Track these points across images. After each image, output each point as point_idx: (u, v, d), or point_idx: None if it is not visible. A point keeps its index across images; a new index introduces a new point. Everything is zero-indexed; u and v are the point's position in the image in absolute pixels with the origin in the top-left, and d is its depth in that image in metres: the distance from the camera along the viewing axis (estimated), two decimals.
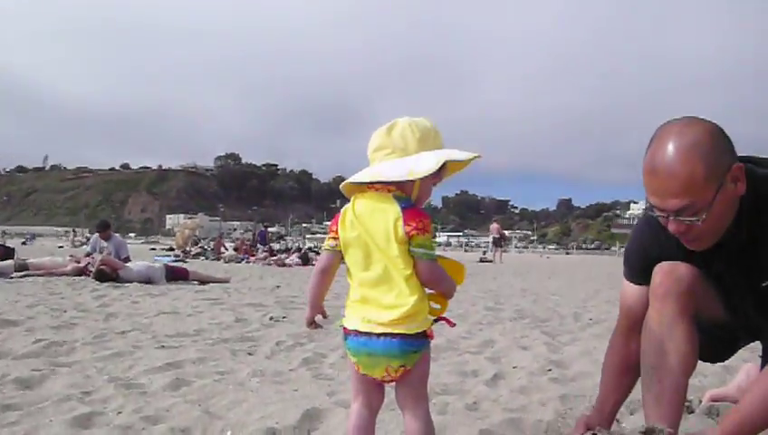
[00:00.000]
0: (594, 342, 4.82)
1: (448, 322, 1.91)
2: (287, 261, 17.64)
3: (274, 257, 18.65)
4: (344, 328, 1.84)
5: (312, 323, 2.00)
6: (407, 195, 1.80)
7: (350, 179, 1.85)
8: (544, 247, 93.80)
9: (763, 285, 1.90)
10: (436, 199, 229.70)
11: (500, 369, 3.69)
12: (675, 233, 1.82)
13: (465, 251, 56.09)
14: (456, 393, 3.11)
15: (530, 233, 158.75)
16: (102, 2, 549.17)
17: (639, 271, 2.15)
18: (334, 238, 1.87)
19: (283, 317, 5.82)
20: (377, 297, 1.77)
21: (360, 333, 1.78)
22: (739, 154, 1.85)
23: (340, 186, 1.89)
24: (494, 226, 30.26)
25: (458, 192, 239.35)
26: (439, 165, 1.74)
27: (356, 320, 1.80)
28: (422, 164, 1.74)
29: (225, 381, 3.23)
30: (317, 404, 2.78)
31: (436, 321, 1.86)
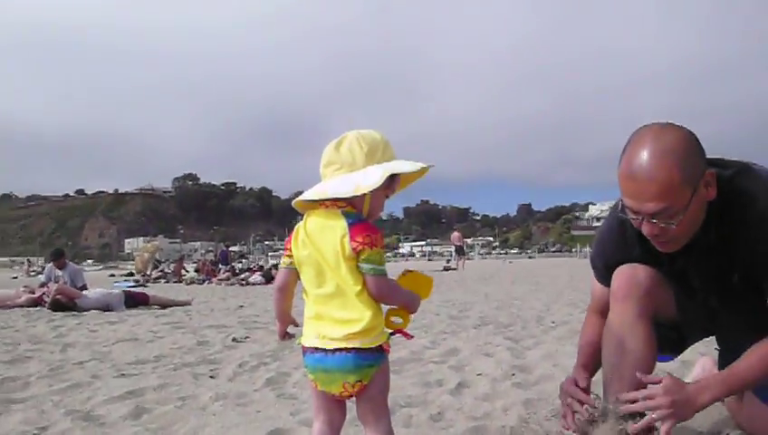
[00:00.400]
0: (556, 344, 4.88)
1: (405, 335, 1.90)
2: (250, 280, 17.49)
3: (237, 277, 18.48)
4: (303, 346, 1.83)
5: (285, 335, 1.99)
6: (357, 210, 1.80)
7: (300, 198, 1.84)
8: (507, 253, 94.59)
9: (734, 280, 1.97)
10: (397, 210, 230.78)
11: (464, 377, 3.71)
12: (648, 235, 1.87)
13: (429, 260, 56.30)
14: (420, 405, 3.11)
15: (492, 239, 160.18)
16: (53, 22, 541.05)
17: (604, 274, 2.24)
18: (289, 256, 1.86)
19: (246, 337, 5.76)
20: (331, 313, 1.77)
21: (316, 349, 1.77)
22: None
23: (293, 203, 1.89)
24: (456, 234, 30.50)
25: (419, 202, 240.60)
26: (384, 179, 1.74)
27: (312, 337, 1.79)
28: (368, 179, 1.74)
29: (187, 407, 3.17)
30: (281, 424, 2.75)
31: (392, 334, 1.85)
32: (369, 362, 1.75)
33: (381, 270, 1.75)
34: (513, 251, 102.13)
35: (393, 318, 1.86)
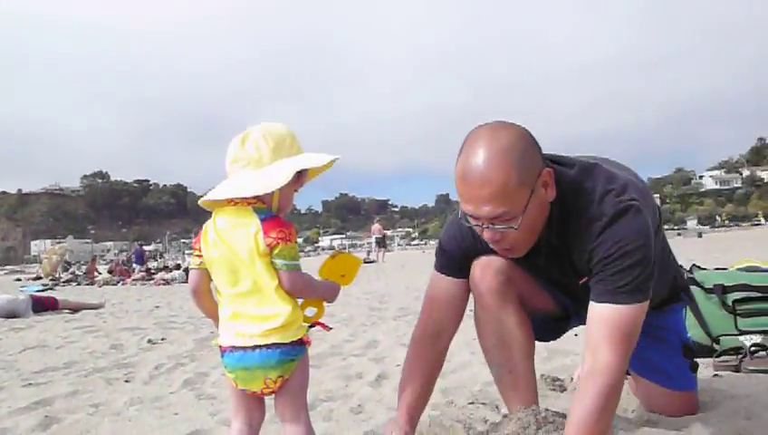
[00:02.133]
0: (474, 333, 4.97)
1: (324, 326, 1.91)
2: (166, 277, 17.07)
3: (153, 276, 17.99)
4: (220, 346, 1.80)
5: None
6: (267, 205, 1.79)
7: (207, 197, 1.81)
8: (426, 243, 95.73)
9: (580, 283, 1.94)
10: (316, 204, 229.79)
11: (384, 369, 3.74)
12: (489, 242, 1.82)
13: (349, 252, 56.22)
14: (341, 398, 3.12)
15: (411, 230, 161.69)
16: None
17: (456, 264, 2.12)
18: (199, 256, 1.83)
19: (162, 339, 5.62)
20: (248, 311, 1.75)
21: (235, 348, 1.75)
22: (546, 152, 1.87)
23: (199, 202, 1.85)
24: (376, 226, 30.56)
25: (338, 195, 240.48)
26: (291, 176, 1.73)
27: (229, 336, 1.77)
28: (276, 177, 1.73)
29: (101, 414, 3.07)
30: (200, 425, 2.71)
31: (311, 327, 1.85)
32: (291, 356, 1.75)
33: (295, 265, 1.75)
34: (432, 242, 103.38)
35: (307, 310, 1.87)
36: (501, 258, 2.03)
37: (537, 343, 2.24)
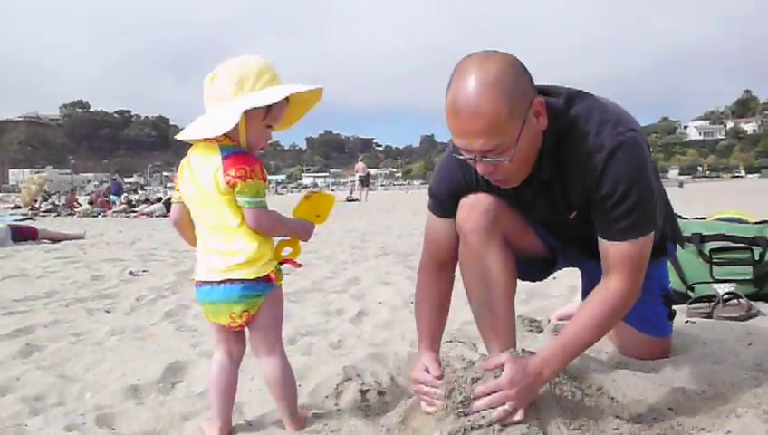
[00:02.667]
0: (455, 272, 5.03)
1: (293, 263, 1.89)
2: (147, 210, 16.99)
3: (134, 209, 17.90)
4: (195, 281, 1.82)
5: None
6: (236, 142, 1.76)
7: (178, 136, 1.80)
8: (409, 183, 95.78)
9: (570, 217, 1.96)
10: (300, 141, 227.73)
11: (364, 306, 3.79)
12: (483, 174, 1.80)
13: (332, 190, 56.22)
14: (321, 333, 3.17)
15: (395, 170, 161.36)
16: None
17: (448, 205, 2.11)
18: (178, 190, 1.84)
19: (144, 271, 5.63)
20: (214, 247, 1.77)
21: (204, 282, 1.78)
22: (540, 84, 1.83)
23: (175, 137, 1.84)
24: (360, 165, 30.36)
25: (322, 132, 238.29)
26: (238, 117, 1.68)
27: (201, 271, 1.80)
28: (225, 119, 1.69)
29: (82, 343, 3.10)
30: (180, 357, 2.75)
31: (281, 264, 1.85)
32: (255, 292, 1.77)
33: (257, 202, 1.74)
34: (415, 183, 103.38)
35: (284, 250, 1.87)
36: (488, 198, 2.02)
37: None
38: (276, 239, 1.85)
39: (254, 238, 1.75)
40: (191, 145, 1.82)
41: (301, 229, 1.89)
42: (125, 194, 22.98)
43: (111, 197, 21.74)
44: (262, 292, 1.78)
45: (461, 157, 1.78)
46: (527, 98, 1.69)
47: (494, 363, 1.78)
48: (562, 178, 1.87)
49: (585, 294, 2.58)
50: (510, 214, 2.08)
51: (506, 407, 1.66)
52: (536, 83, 1.79)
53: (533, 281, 2.46)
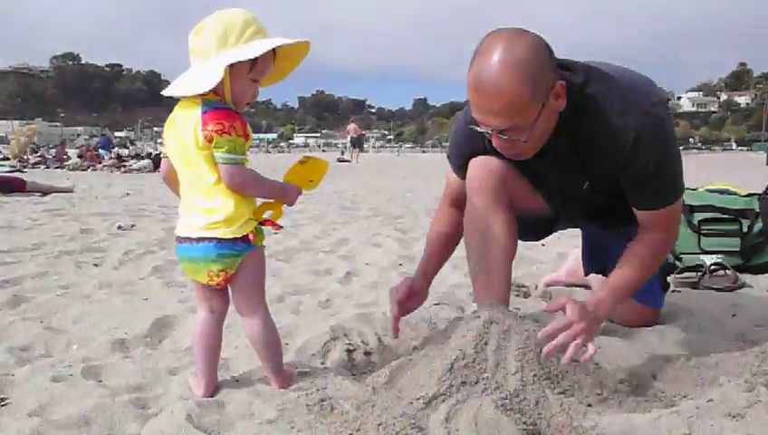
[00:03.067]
0: None
1: (274, 225, 1.84)
2: (136, 166, 16.87)
3: (123, 163, 17.76)
4: (176, 236, 1.81)
5: None
6: (219, 96, 1.72)
7: (163, 92, 1.77)
8: (401, 146, 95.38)
9: (584, 187, 2.03)
10: (292, 100, 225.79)
11: (353, 266, 3.80)
12: (498, 148, 1.84)
13: (323, 151, 55.98)
14: (309, 292, 3.17)
15: (387, 132, 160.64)
16: None
17: (460, 166, 2.23)
18: (165, 146, 1.82)
19: (133, 225, 5.61)
20: (194, 203, 1.75)
21: (182, 239, 1.76)
22: (561, 58, 1.85)
23: (162, 92, 1.80)
24: (352, 126, 30.15)
25: (315, 92, 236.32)
26: (218, 76, 1.64)
27: (182, 227, 1.78)
28: (206, 75, 1.65)
29: (70, 295, 3.09)
30: (168, 312, 2.74)
31: (261, 224, 1.82)
32: (232, 251, 1.74)
33: (233, 159, 1.69)
34: (407, 145, 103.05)
35: (266, 212, 1.82)
36: (497, 160, 2.07)
37: None
38: (259, 201, 1.83)
39: (232, 197, 1.72)
40: (179, 100, 1.79)
41: (281, 192, 1.83)
42: (115, 148, 22.74)
43: (100, 151, 21.52)
44: (239, 252, 1.75)
45: (478, 129, 1.82)
46: (549, 81, 1.72)
47: (556, 305, 1.85)
48: (580, 153, 1.92)
49: (584, 253, 2.62)
50: (517, 177, 2.14)
51: (578, 341, 1.71)
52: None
53: (529, 241, 2.51)
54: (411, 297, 2.23)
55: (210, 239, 1.72)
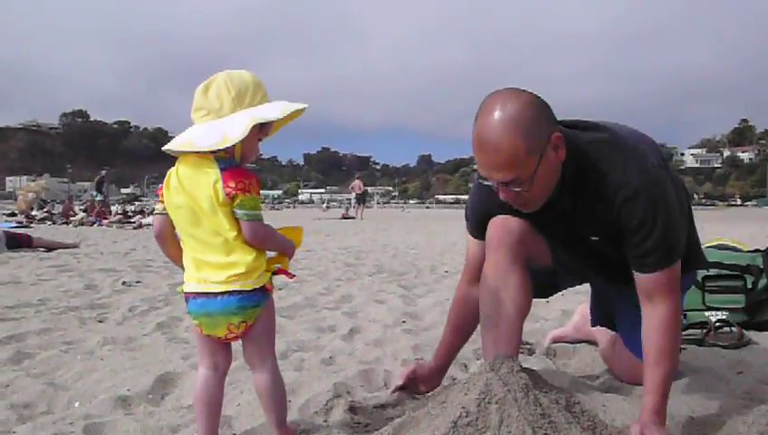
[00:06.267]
0: (448, 293, 5.04)
1: (287, 274, 1.91)
2: (144, 221, 16.96)
3: (130, 219, 17.86)
4: (185, 293, 1.81)
5: None
6: (229, 155, 1.77)
7: (168, 147, 1.78)
8: (405, 202, 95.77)
9: (593, 238, 2.07)
10: (297, 156, 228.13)
11: (356, 323, 3.79)
12: (505, 200, 1.92)
13: (328, 208, 56.22)
14: (313, 349, 3.16)
15: (391, 189, 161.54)
16: None
17: (478, 227, 2.28)
18: (162, 202, 1.82)
19: (137, 282, 5.62)
20: (210, 259, 1.76)
21: (199, 294, 1.77)
22: (571, 118, 1.99)
23: (163, 148, 1.82)
24: (357, 182, 30.32)
25: (320, 149, 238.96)
26: (249, 129, 1.69)
27: (193, 283, 1.78)
28: (235, 129, 1.69)
29: (73, 352, 3.09)
30: (171, 368, 2.74)
31: (274, 274, 1.86)
32: (253, 302, 1.77)
33: (255, 215, 1.74)
34: (411, 201, 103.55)
35: (275, 265, 1.87)
36: (516, 220, 2.16)
37: None
38: (269, 253, 1.85)
39: (251, 250, 1.76)
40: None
41: (287, 246, 1.90)
42: (103, 186, 22.35)
43: (94, 193, 21.53)
44: (258, 302, 1.78)
45: (485, 183, 1.94)
46: (545, 133, 1.83)
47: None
48: (586, 209, 1.99)
49: (592, 309, 2.63)
50: (535, 236, 2.20)
51: None
52: (560, 118, 1.93)
53: (538, 298, 2.52)
54: (422, 382, 2.37)
55: (231, 293, 1.73)
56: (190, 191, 1.74)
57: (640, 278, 1.96)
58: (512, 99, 1.82)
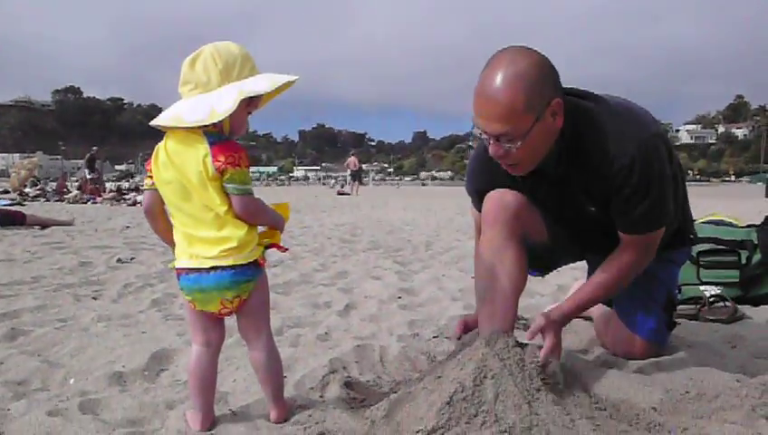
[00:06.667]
0: (443, 269, 5.05)
1: (279, 248, 1.90)
2: (138, 199, 16.90)
3: (124, 196, 17.80)
4: (176, 269, 1.80)
5: None
6: (218, 129, 1.75)
7: (155, 122, 1.76)
8: (401, 179, 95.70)
9: (590, 208, 2.09)
10: (292, 133, 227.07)
11: (352, 299, 3.79)
12: (493, 155, 1.93)
13: (323, 184, 56.12)
14: (308, 325, 3.16)
15: (386, 165, 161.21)
16: None
17: (477, 200, 2.31)
18: (151, 177, 1.81)
19: (132, 258, 5.60)
20: (201, 234, 1.75)
21: (191, 270, 1.76)
22: (566, 86, 1.97)
23: (151, 123, 1.79)
24: (352, 159, 30.23)
25: (315, 126, 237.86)
26: (237, 103, 1.67)
27: (184, 258, 1.77)
28: (223, 104, 1.67)
29: (68, 328, 3.08)
30: (167, 345, 2.73)
31: (267, 248, 1.86)
32: (246, 276, 1.77)
33: (246, 189, 1.74)
34: (407, 178, 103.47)
35: (265, 240, 1.87)
36: (512, 194, 2.18)
37: None
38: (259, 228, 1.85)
39: (242, 224, 1.75)
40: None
41: (278, 220, 1.89)
42: (98, 163, 22.25)
43: (85, 170, 21.44)
44: (252, 277, 1.78)
45: (479, 135, 1.94)
46: (546, 96, 1.84)
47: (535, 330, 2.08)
48: (583, 177, 2.01)
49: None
50: (531, 210, 2.22)
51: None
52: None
53: (536, 275, 2.56)
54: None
55: (224, 267, 1.73)
56: (179, 166, 1.73)
57: (622, 236, 2.07)
58: (521, 55, 1.84)
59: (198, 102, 1.70)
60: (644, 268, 2.13)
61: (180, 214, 1.77)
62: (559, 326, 2.09)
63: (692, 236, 2.43)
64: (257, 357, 1.87)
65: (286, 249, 1.95)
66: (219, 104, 1.67)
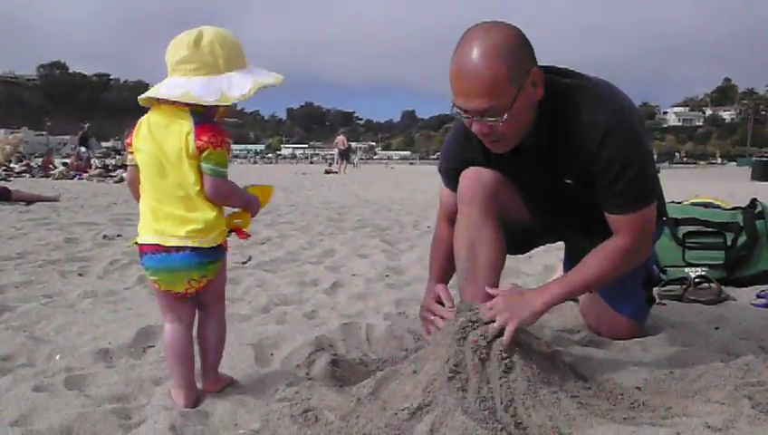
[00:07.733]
0: (429, 248, 5.05)
1: (240, 233, 1.91)
2: (124, 176, 16.78)
3: (110, 173, 17.67)
4: (139, 246, 1.80)
5: None
6: (204, 111, 1.75)
7: (153, 93, 1.74)
8: (389, 158, 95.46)
9: (567, 181, 2.06)
10: (281, 111, 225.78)
11: (339, 277, 3.79)
12: (478, 134, 1.90)
13: (311, 163, 55.90)
14: (295, 303, 3.17)
15: (375, 144, 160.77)
16: None
17: (451, 178, 2.28)
18: (131, 153, 1.81)
19: (118, 235, 5.57)
20: (170, 211, 1.75)
21: (157, 248, 1.75)
22: (544, 64, 1.96)
23: (140, 97, 1.78)
24: (340, 138, 30.11)
25: (303, 104, 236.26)
26: (252, 93, 1.70)
27: (149, 234, 1.77)
28: (235, 89, 1.70)
29: (53, 305, 3.06)
30: (153, 322, 2.72)
31: (229, 233, 1.87)
32: (213, 258, 1.80)
33: (221, 172, 1.75)
34: (395, 157, 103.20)
35: (235, 221, 1.88)
36: (489, 172, 2.14)
37: None
38: (228, 210, 1.86)
39: (213, 207, 1.76)
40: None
41: (252, 203, 1.90)
42: (86, 150, 22.10)
43: (82, 149, 21.26)
44: (217, 258, 1.82)
45: (460, 117, 1.90)
46: (525, 67, 1.82)
47: (496, 291, 2.03)
48: (559, 148, 1.97)
49: (566, 265, 2.64)
50: (508, 188, 2.19)
51: (496, 322, 1.80)
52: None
53: (516, 254, 2.53)
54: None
55: (192, 249, 1.74)
56: (159, 140, 1.74)
57: (610, 219, 1.99)
58: (496, 29, 1.82)
59: (209, 83, 1.70)
60: (642, 257, 2.06)
61: (152, 187, 1.77)
62: (533, 313, 1.93)
63: (664, 218, 2.40)
64: (214, 330, 1.94)
65: (248, 235, 1.94)
66: (230, 89, 1.70)
